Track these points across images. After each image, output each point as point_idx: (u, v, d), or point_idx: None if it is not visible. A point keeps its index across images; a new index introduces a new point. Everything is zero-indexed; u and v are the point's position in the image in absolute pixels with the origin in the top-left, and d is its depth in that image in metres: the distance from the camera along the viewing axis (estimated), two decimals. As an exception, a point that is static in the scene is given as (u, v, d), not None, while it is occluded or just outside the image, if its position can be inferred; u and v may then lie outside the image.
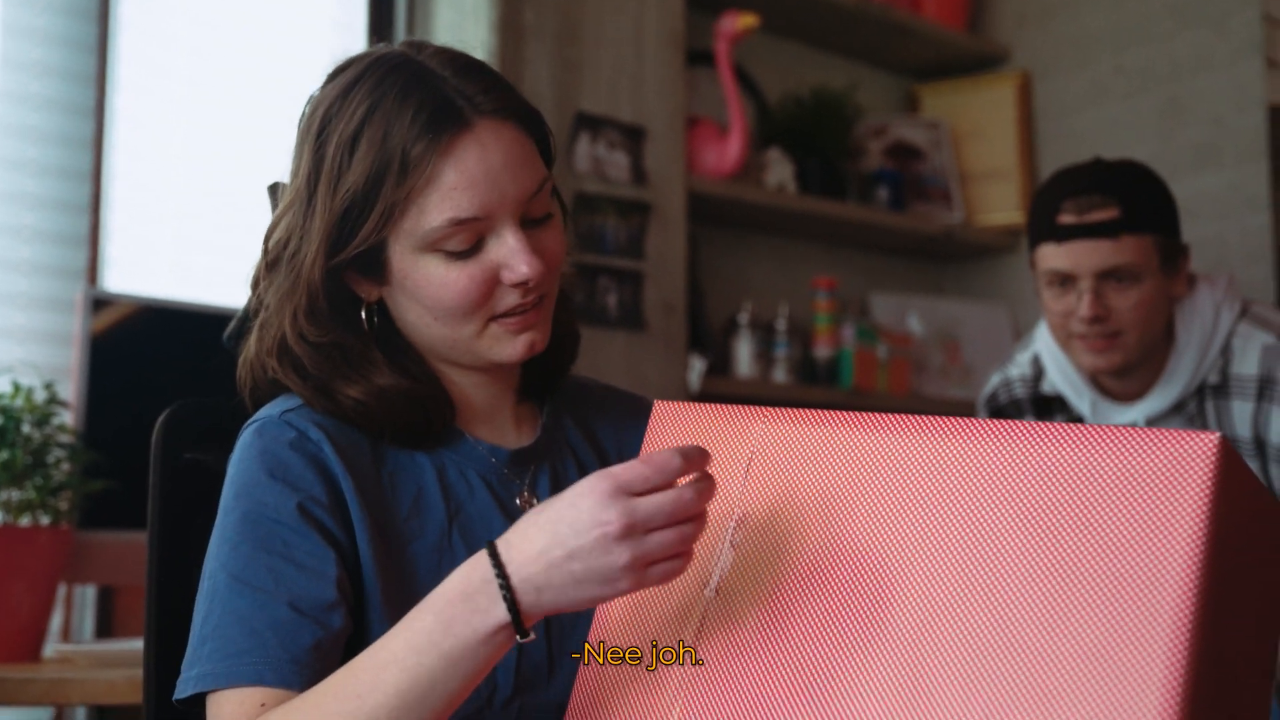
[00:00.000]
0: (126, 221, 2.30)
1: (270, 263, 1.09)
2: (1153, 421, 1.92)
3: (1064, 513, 0.81)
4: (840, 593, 0.89)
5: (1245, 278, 2.70)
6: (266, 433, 1.08)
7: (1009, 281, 3.28)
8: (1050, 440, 0.84)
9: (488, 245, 1.05)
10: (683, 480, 0.89)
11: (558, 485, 1.17)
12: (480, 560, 0.91)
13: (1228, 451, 0.78)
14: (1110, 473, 0.81)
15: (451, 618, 0.90)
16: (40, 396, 1.83)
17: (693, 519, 0.89)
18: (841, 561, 0.89)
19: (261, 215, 1.22)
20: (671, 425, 1.05)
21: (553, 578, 0.88)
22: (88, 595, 2.17)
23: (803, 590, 0.91)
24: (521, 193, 1.05)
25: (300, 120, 1.11)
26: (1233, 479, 0.79)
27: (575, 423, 1.24)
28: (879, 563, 0.88)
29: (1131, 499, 0.79)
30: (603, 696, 0.99)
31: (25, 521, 1.79)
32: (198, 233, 2.37)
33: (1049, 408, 2.07)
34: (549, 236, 1.09)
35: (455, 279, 1.04)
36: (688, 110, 2.75)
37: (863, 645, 0.86)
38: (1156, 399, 1.91)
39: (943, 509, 0.86)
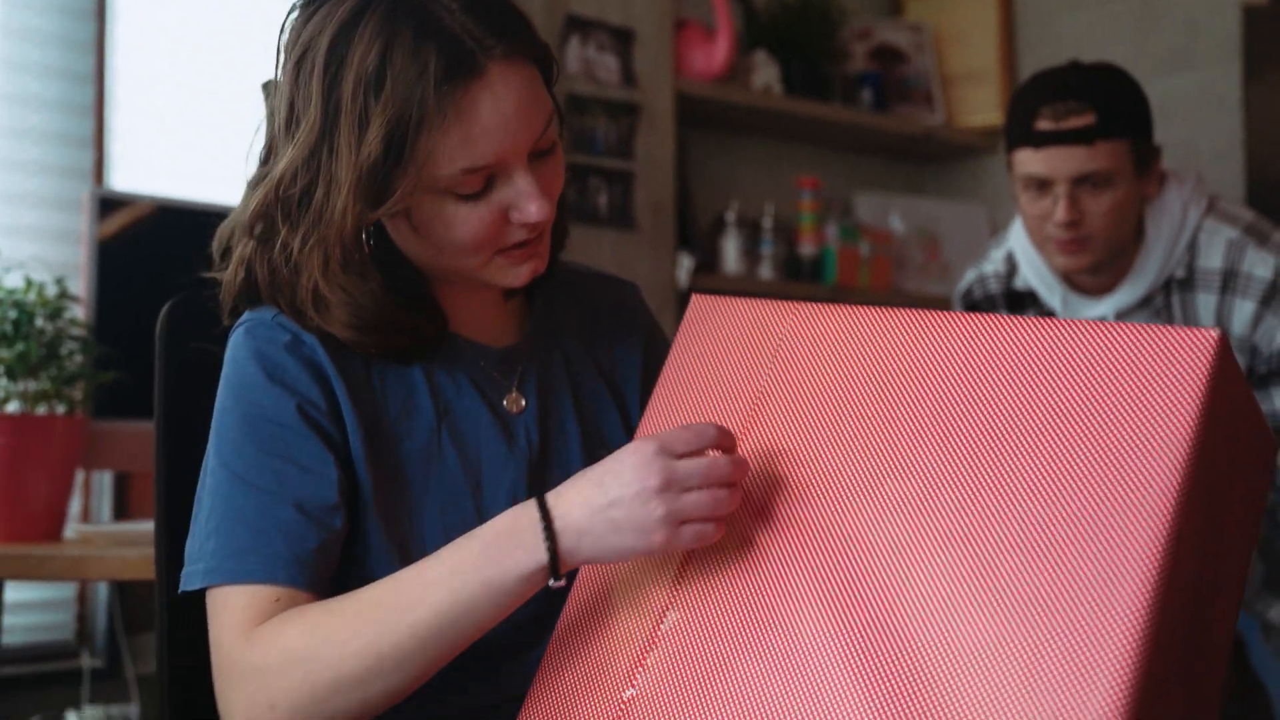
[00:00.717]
0: (131, 122, 2.34)
1: (286, 207, 1.05)
2: (1121, 315, 1.98)
3: (1069, 401, 0.87)
4: (851, 468, 0.94)
5: (1215, 178, 2.75)
6: (259, 334, 1.08)
7: (988, 182, 3.34)
8: (1060, 335, 0.89)
9: (497, 186, 1.04)
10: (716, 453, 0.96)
11: (545, 385, 1.18)
12: (530, 504, 0.97)
13: (1224, 348, 0.84)
14: (1114, 365, 0.86)
15: (498, 549, 0.96)
16: (52, 291, 1.88)
17: (728, 487, 0.94)
18: (854, 446, 0.95)
19: (258, 114, 1.19)
20: (707, 318, 1.10)
21: (594, 524, 0.94)
22: (105, 481, 2.25)
23: (818, 462, 0.96)
24: (532, 134, 1.04)
25: (290, 42, 1.05)
26: (1226, 373, 0.85)
27: (564, 316, 1.24)
28: (888, 449, 0.93)
29: (1133, 388, 0.84)
30: (597, 594, 1.04)
31: (42, 411, 1.85)
32: (201, 131, 2.40)
33: (1021, 302, 2.13)
34: (553, 169, 1.08)
35: (464, 219, 1.04)
36: (676, 13, 2.78)
37: (869, 519, 0.91)
38: (1125, 293, 1.97)
39: (953, 397, 0.92)
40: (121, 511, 2.25)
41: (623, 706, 0.96)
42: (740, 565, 0.96)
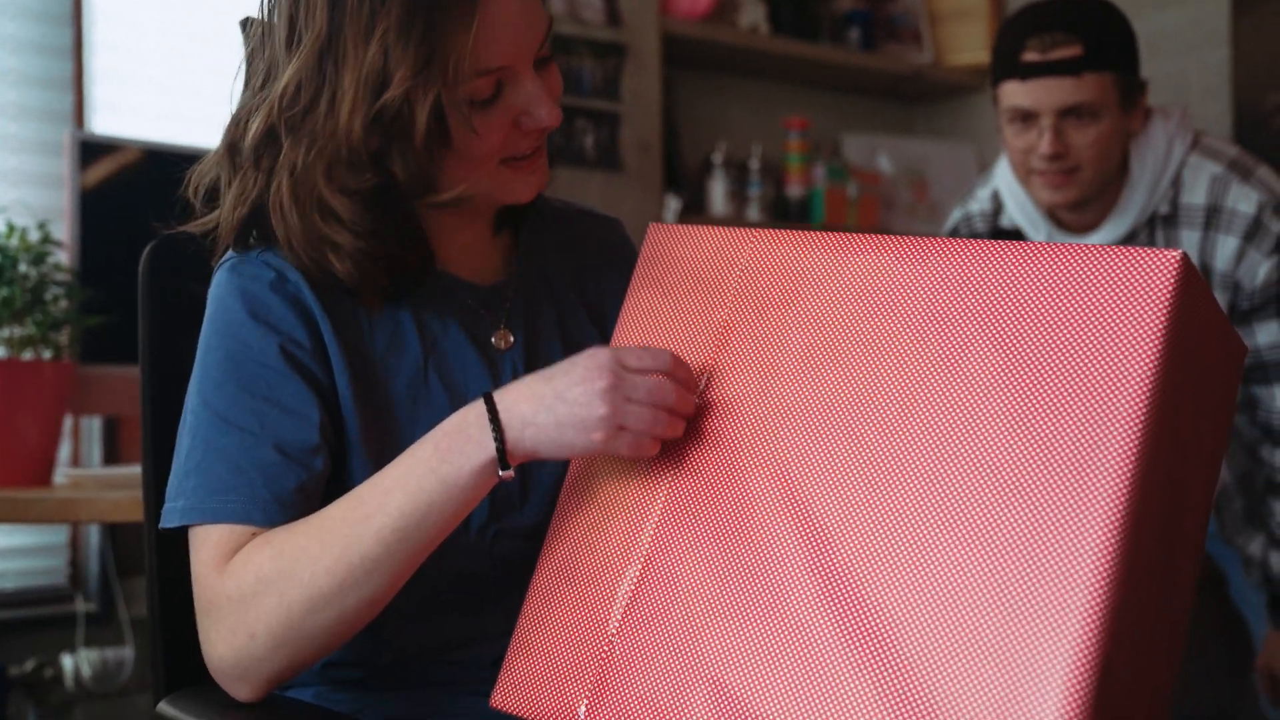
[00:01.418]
0: (111, 64, 2.33)
1: (291, 122, 1.03)
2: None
3: (1032, 325, 0.87)
4: (819, 400, 0.94)
5: (1203, 113, 2.75)
6: (244, 271, 1.08)
7: (976, 121, 3.34)
8: (1019, 257, 0.89)
9: (505, 92, 1.04)
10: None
11: (532, 321, 1.19)
12: (478, 401, 0.99)
13: (1188, 269, 0.84)
14: (1076, 286, 0.86)
15: (448, 448, 0.97)
16: (34, 236, 1.87)
17: (669, 412, 0.97)
18: (822, 374, 0.95)
19: (238, 54, 1.18)
20: (666, 247, 1.08)
21: (539, 415, 0.96)
22: (94, 426, 2.26)
23: (787, 394, 0.96)
24: (537, 38, 1.05)
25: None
26: (1192, 293, 0.85)
27: (550, 253, 1.24)
28: (855, 376, 0.93)
29: (1097, 311, 0.85)
30: (592, 474, 1.05)
31: (28, 356, 1.85)
32: (182, 74, 2.39)
33: (1008, 239, 2.14)
34: (554, 77, 1.09)
35: (476, 126, 1.03)
36: (660, -50, 2.77)
37: (838, 448, 0.92)
38: (1110, 230, 1.98)
39: (918, 322, 0.92)
40: (112, 456, 2.26)
41: (609, 642, 0.97)
42: (715, 507, 0.97)
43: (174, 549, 1.13)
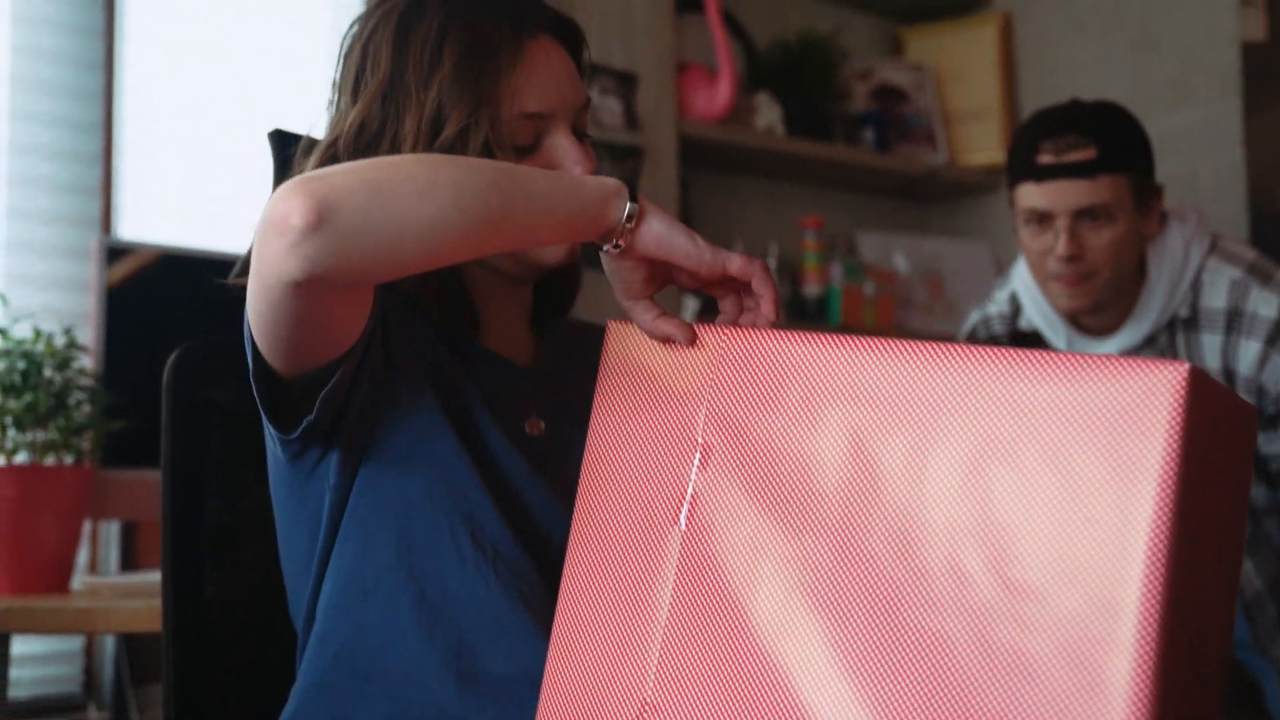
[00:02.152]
0: (138, 171, 2.36)
1: (356, 156, 1.10)
2: (1126, 355, 1.99)
3: (1035, 446, 0.82)
4: (810, 512, 0.90)
5: (1218, 213, 2.76)
6: None
7: (991, 219, 3.35)
8: (1020, 371, 0.84)
9: (543, 144, 1.14)
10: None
11: (560, 411, 1.20)
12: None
13: (1196, 380, 0.78)
14: (1079, 406, 0.81)
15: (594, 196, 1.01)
16: (60, 341, 1.88)
17: None
18: (811, 480, 0.91)
19: (265, 163, 1.24)
20: (626, 347, 1.06)
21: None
22: (112, 531, 2.25)
23: (777, 505, 0.93)
24: (577, 100, 1.16)
25: (358, 31, 1.16)
26: (1203, 402, 0.79)
27: (571, 352, 1.26)
28: (848, 485, 0.89)
29: (1101, 433, 0.79)
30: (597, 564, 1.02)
31: (50, 461, 1.85)
32: (208, 181, 2.42)
33: (1026, 343, 2.13)
34: (589, 151, 1.17)
35: None
36: (678, 56, 2.79)
37: (836, 569, 0.88)
38: (1129, 333, 1.98)
39: (914, 438, 0.87)
40: (129, 560, 2.24)
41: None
42: (708, 661, 0.94)
43: (190, 658, 1.12)
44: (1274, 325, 1.89)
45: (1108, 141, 1.86)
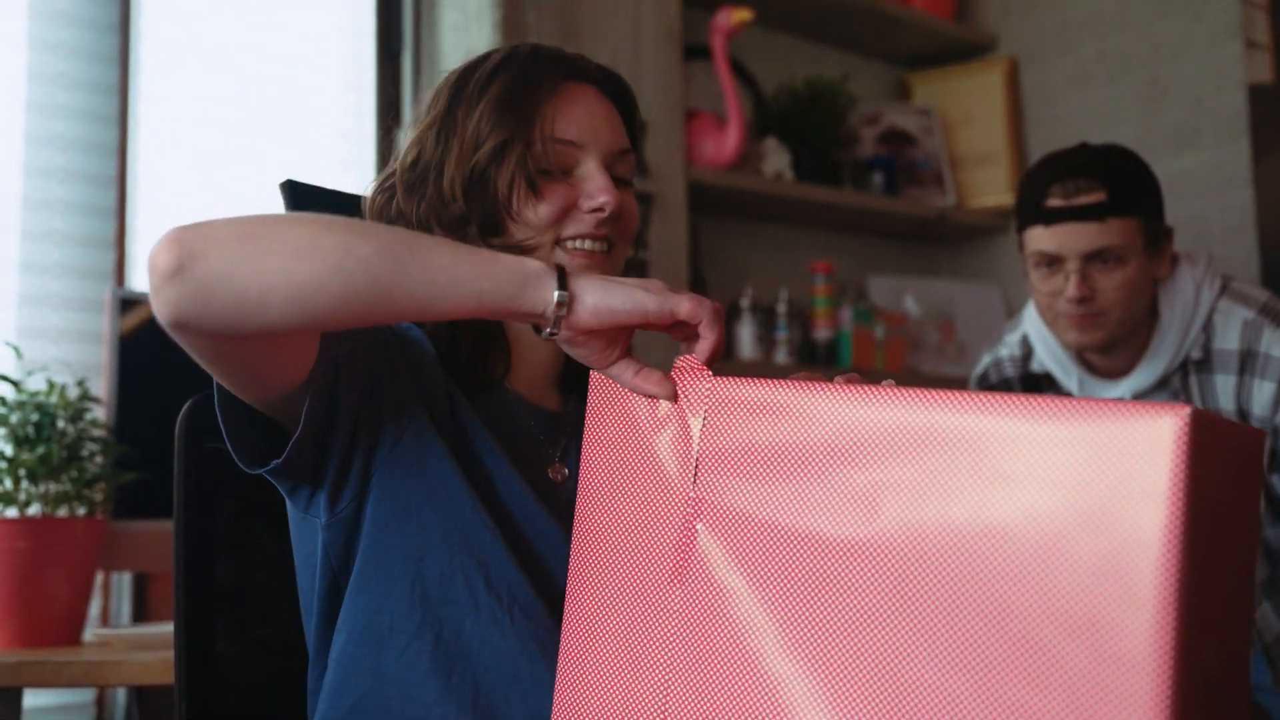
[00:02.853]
0: (151, 223, 2.38)
1: (409, 183, 1.18)
2: (1139, 397, 1.97)
3: (1044, 488, 0.80)
4: (807, 566, 0.89)
5: (1228, 255, 2.76)
6: None
7: (1000, 262, 3.36)
8: (1026, 415, 0.82)
9: (574, 172, 1.17)
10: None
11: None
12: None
13: (1198, 422, 0.76)
14: (1084, 450, 0.79)
15: (508, 277, 0.97)
16: (73, 393, 1.89)
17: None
18: (806, 533, 0.89)
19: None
20: (609, 400, 1.05)
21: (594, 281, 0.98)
22: (124, 582, 2.25)
23: (771, 560, 0.91)
24: (613, 142, 1.19)
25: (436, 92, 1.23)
26: (1207, 446, 0.77)
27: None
28: (844, 536, 0.88)
29: (1106, 476, 0.78)
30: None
31: (62, 513, 1.85)
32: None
33: (1038, 385, 2.13)
34: (627, 196, 1.20)
35: (542, 191, 1.15)
36: (686, 103, 2.81)
37: (836, 626, 0.87)
38: (1142, 375, 1.97)
39: (917, 481, 0.85)
40: (141, 612, 2.24)
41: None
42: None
43: (203, 711, 1.12)
44: (1287, 366, 1.88)
45: (1117, 184, 1.86)
